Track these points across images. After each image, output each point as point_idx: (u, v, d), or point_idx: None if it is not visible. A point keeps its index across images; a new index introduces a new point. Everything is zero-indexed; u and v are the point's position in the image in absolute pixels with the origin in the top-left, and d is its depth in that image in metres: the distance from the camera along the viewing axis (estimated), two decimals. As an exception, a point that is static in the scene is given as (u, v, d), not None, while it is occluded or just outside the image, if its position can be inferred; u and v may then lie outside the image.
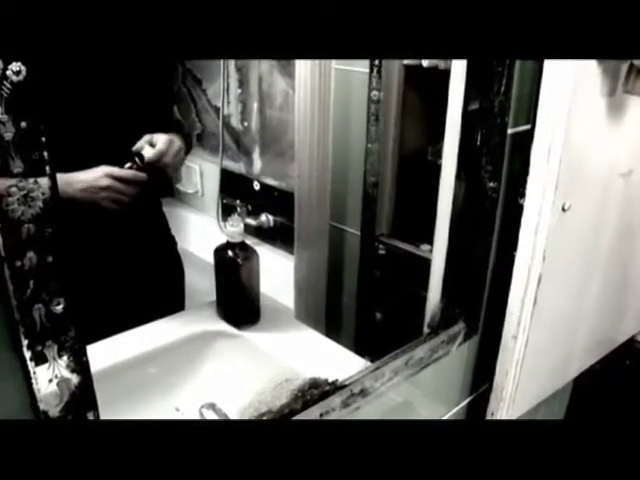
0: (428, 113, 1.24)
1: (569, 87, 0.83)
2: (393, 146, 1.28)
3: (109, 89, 1.06)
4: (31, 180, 0.45)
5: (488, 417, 1.12)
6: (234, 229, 1.01)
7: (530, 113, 0.91)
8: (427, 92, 1.23)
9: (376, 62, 1.19)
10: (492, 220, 0.99)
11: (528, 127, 0.93)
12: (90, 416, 0.56)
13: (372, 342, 1.31)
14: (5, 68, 0.41)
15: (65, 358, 0.52)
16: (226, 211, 2.19)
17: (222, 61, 2.03)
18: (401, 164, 1.30)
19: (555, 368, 1.17)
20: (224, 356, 1.03)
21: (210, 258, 1.05)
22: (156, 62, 1.15)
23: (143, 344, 1.00)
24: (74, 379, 0.53)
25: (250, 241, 1.06)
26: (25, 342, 0.49)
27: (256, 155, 2.08)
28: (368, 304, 1.38)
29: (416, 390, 1.01)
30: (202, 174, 2.35)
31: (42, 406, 0.52)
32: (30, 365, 0.50)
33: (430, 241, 1.03)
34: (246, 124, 2.08)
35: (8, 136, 0.43)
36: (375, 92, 1.20)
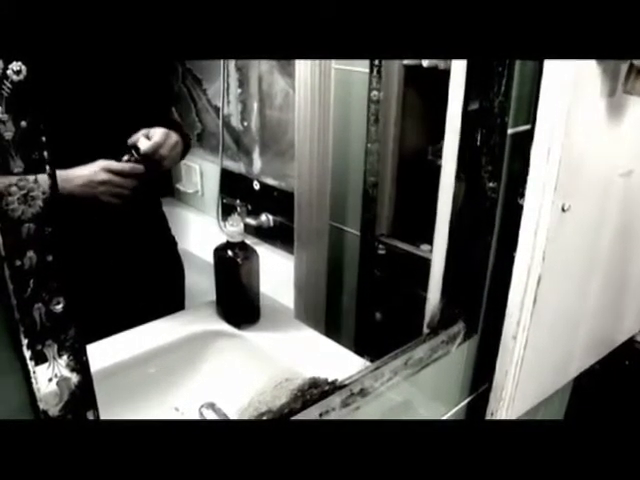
0: (428, 113, 1.24)
1: (569, 87, 0.83)
2: (393, 146, 1.28)
3: (108, 88, 1.06)
4: (31, 179, 0.45)
5: (488, 417, 1.12)
6: (234, 229, 1.01)
7: (530, 113, 0.91)
8: (427, 92, 1.23)
9: (376, 62, 1.19)
10: (492, 220, 0.99)
11: (528, 127, 0.93)
12: (90, 415, 0.56)
13: (372, 342, 1.31)
14: (5, 67, 0.41)
15: (65, 357, 0.52)
16: (226, 211, 2.19)
17: (222, 61, 2.03)
18: (401, 164, 1.31)
19: (555, 368, 1.17)
20: (224, 356, 1.03)
21: (210, 258, 1.05)
22: (155, 62, 1.15)
23: (143, 344, 1.00)
24: (74, 378, 0.53)
25: (250, 241, 1.06)
26: (25, 341, 0.49)
27: (256, 155, 2.08)
28: (368, 304, 1.38)
29: (416, 390, 1.01)
30: (202, 174, 2.36)
31: (42, 405, 0.52)
32: (30, 364, 0.50)
33: (430, 241, 1.03)
34: (246, 124, 2.08)
35: (8, 135, 0.43)
36: (375, 92, 1.20)
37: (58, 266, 0.49)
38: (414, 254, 1.29)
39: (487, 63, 0.86)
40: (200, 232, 2.24)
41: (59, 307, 0.50)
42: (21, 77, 0.42)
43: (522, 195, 0.92)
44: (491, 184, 0.94)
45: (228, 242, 1.02)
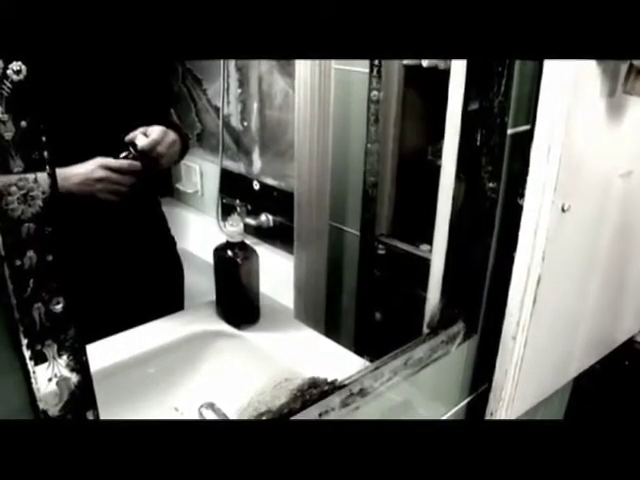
0: (428, 113, 1.24)
1: (569, 88, 0.83)
2: (393, 146, 1.28)
3: (107, 88, 1.06)
4: (31, 179, 0.45)
5: (487, 417, 1.12)
6: (234, 229, 1.01)
7: (530, 113, 0.91)
8: (427, 92, 1.23)
9: (376, 62, 1.19)
10: (492, 220, 0.99)
11: (528, 127, 0.93)
12: (89, 415, 0.56)
13: (371, 342, 1.31)
14: (6, 67, 0.41)
15: (65, 357, 0.52)
16: (226, 211, 2.19)
17: (222, 61, 2.03)
18: (401, 164, 1.31)
19: (554, 368, 1.17)
20: (223, 356, 1.03)
21: (210, 258, 1.05)
22: (155, 62, 1.15)
23: (142, 344, 1.00)
24: (74, 378, 0.53)
25: (250, 241, 1.06)
26: (25, 341, 0.49)
27: (256, 155, 2.08)
28: (367, 304, 1.38)
29: (415, 390, 1.01)
30: (202, 174, 2.36)
31: (42, 405, 0.52)
32: (30, 364, 0.50)
33: (430, 241, 1.03)
34: (246, 124, 2.08)
35: (8, 135, 0.43)
36: (375, 92, 1.20)
37: (58, 266, 0.49)
38: (414, 254, 1.29)
39: (487, 63, 0.86)
40: (200, 232, 2.24)
41: (59, 307, 0.50)
42: (21, 77, 0.42)
43: (522, 195, 0.92)
44: (491, 184, 0.94)
45: (228, 242, 1.02)
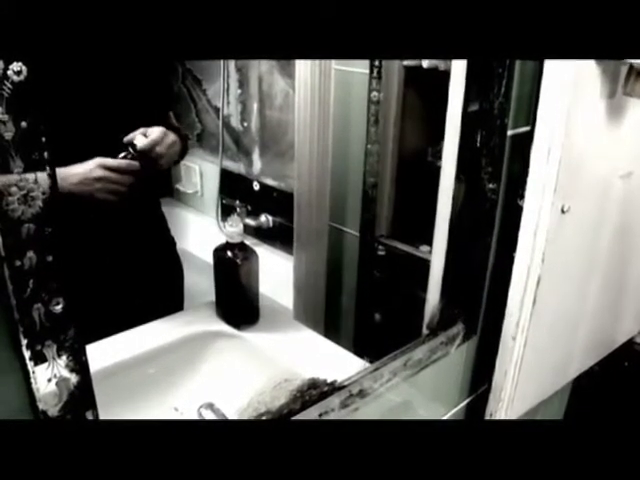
0: (428, 114, 1.24)
1: (569, 89, 0.83)
2: (393, 147, 1.28)
3: (107, 88, 1.06)
4: (31, 179, 0.45)
5: (487, 418, 1.12)
6: (233, 229, 1.01)
7: (530, 115, 0.91)
8: (427, 93, 1.23)
9: (376, 63, 1.19)
10: (491, 221, 0.99)
11: (528, 129, 0.93)
12: (89, 416, 0.56)
13: (371, 343, 1.31)
14: (6, 68, 0.41)
15: (64, 358, 0.52)
16: (225, 211, 2.19)
17: (222, 61, 2.03)
18: (401, 165, 1.31)
19: (554, 369, 1.17)
20: (223, 356, 1.03)
21: (209, 258, 1.05)
22: (155, 63, 1.15)
23: (142, 344, 1.00)
24: (73, 379, 0.53)
25: (249, 241, 1.06)
26: (24, 341, 0.49)
27: (256, 155, 2.08)
28: (367, 305, 1.38)
29: (415, 391, 1.01)
30: (202, 174, 2.36)
31: (41, 406, 0.52)
32: (29, 364, 0.50)
33: (429, 242, 1.03)
34: (246, 124, 2.08)
35: (8, 136, 0.43)
36: (375, 93, 1.20)
37: (58, 266, 0.49)
38: (414, 255, 1.29)
39: (487, 64, 0.86)
40: (199, 232, 2.24)
41: (58, 307, 0.50)
42: (21, 77, 0.42)
43: (522, 196, 0.92)
44: (491, 185, 0.94)
45: (227, 243, 1.02)
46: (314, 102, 1.24)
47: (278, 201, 2.00)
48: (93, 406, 0.56)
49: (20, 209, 0.45)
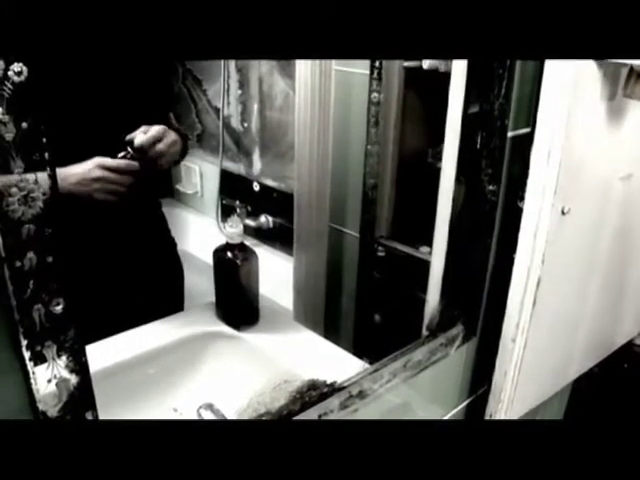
0: (428, 115, 1.24)
1: (569, 91, 0.83)
2: (393, 148, 1.28)
3: (108, 89, 1.06)
4: (31, 180, 0.45)
5: (487, 419, 1.12)
6: (233, 230, 1.01)
7: (530, 116, 0.91)
8: (427, 94, 1.23)
9: (376, 64, 1.19)
10: (491, 223, 0.99)
11: (528, 130, 0.93)
12: (89, 416, 0.56)
13: (371, 344, 1.31)
14: (7, 69, 0.41)
15: (64, 358, 0.52)
16: (225, 212, 2.19)
17: (222, 62, 2.03)
18: (401, 166, 1.31)
19: (554, 370, 1.17)
20: (223, 357, 1.03)
21: (209, 259, 1.05)
22: (155, 63, 1.15)
23: (142, 344, 1.00)
24: (73, 379, 0.53)
25: (249, 242, 1.06)
26: (24, 342, 0.49)
27: (256, 156, 2.08)
28: (367, 306, 1.38)
29: (414, 392, 1.01)
30: (202, 175, 2.36)
31: (41, 406, 0.52)
32: (29, 365, 0.50)
33: (429, 243, 1.03)
34: (246, 125, 2.08)
35: (9, 136, 0.43)
36: (375, 94, 1.20)
37: (58, 267, 0.49)
38: (413, 256, 1.29)
39: (487, 65, 0.87)
40: (199, 233, 2.24)
41: (59, 308, 0.50)
42: (22, 78, 0.42)
43: (522, 198, 0.92)
44: (491, 187, 0.94)
45: (227, 243, 1.02)
46: (314, 103, 1.24)
47: (278, 202, 2.00)
48: (93, 406, 0.56)
49: (20, 210, 0.45)
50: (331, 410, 0.81)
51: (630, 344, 1.39)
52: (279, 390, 0.81)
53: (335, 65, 1.23)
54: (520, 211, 0.93)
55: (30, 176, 0.45)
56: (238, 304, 1.07)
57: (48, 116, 0.45)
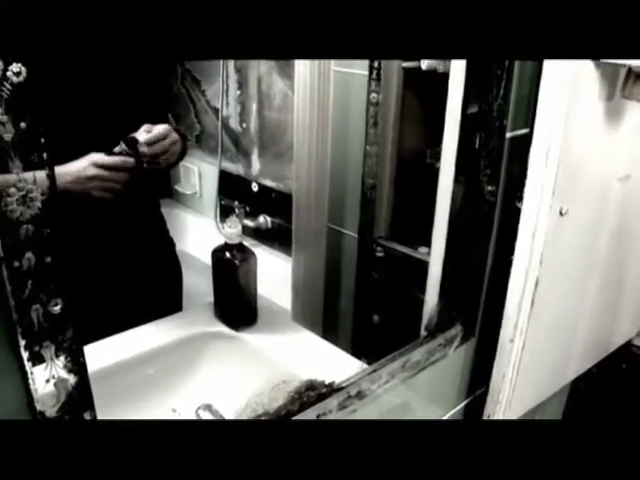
0: (427, 116, 1.24)
1: (567, 92, 0.83)
2: (391, 148, 1.28)
3: (106, 89, 1.06)
4: (30, 180, 0.45)
5: (485, 419, 1.12)
6: (232, 230, 1.01)
7: (529, 117, 0.91)
8: (426, 95, 1.23)
9: (375, 64, 1.19)
10: (490, 223, 0.99)
11: (526, 131, 0.93)
12: (87, 416, 0.56)
13: (369, 344, 1.31)
14: (5, 69, 0.41)
15: (62, 358, 0.52)
16: (224, 212, 2.19)
17: (221, 62, 2.03)
18: (399, 167, 1.31)
19: (552, 371, 1.17)
20: (221, 357, 1.03)
21: (208, 259, 1.05)
22: (154, 64, 1.15)
23: (140, 345, 1.00)
24: (71, 379, 0.53)
25: (248, 242, 1.06)
26: (23, 342, 0.49)
27: (255, 156, 2.08)
28: (365, 306, 1.38)
29: (413, 393, 1.01)
30: (200, 175, 2.35)
31: (39, 406, 0.52)
32: (27, 365, 0.50)
33: (428, 244, 1.03)
34: (245, 125, 2.08)
35: (8, 137, 0.43)
36: (374, 94, 1.20)
37: (56, 267, 0.49)
38: (412, 257, 1.29)
39: (486, 66, 0.87)
40: (198, 234, 2.23)
41: (57, 308, 0.50)
42: (21, 78, 0.42)
43: (520, 198, 0.93)
44: (489, 187, 0.94)
45: (226, 244, 1.02)
46: (313, 103, 1.24)
47: (277, 202, 2.00)
48: (91, 407, 0.56)
49: (19, 210, 0.45)
50: (329, 410, 0.81)
51: (628, 344, 1.39)
52: (277, 390, 0.81)
53: (334, 65, 1.24)
54: (518, 211, 0.93)
55: (29, 176, 0.45)
56: (236, 304, 1.07)
57: (46, 116, 0.45)
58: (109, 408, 0.63)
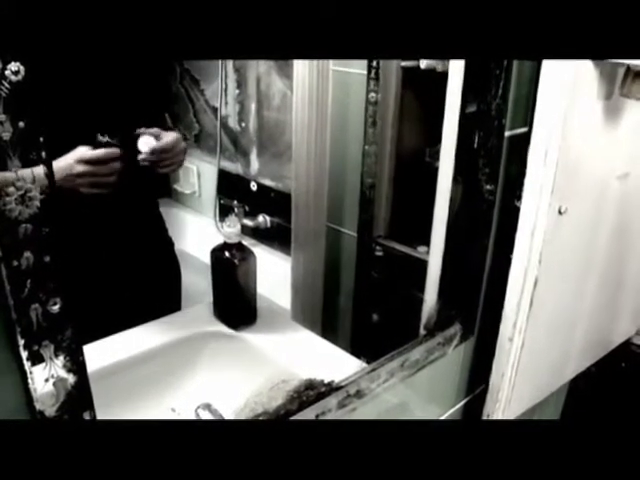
0: (425, 115, 1.24)
1: (566, 90, 0.83)
2: (390, 148, 1.28)
3: (105, 89, 1.06)
4: (29, 180, 0.45)
5: (484, 419, 1.12)
6: (231, 230, 1.01)
7: (527, 116, 0.91)
8: (425, 94, 1.23)
9: (374, 64, 1.19)
10: (489, 222, 0.99)
11: (525, 130, 0.93)
12: (86, 416, 0.56)
13: (368, 343, 1.31)
14: (4, 68, 0.41)
15: (61, 358, 0.52)
16: (223, 212, 2.19)
17: (220, 61, 2.03)
18: (398, 166, 1.31)
19: (551, 370, 1.17)
20: (220, 357, 1.03)
21: (207, 259, 1.05)
22: (152, 64, 1.14)
23: (139, 344, 1.00)
24: (70, 379, 0.53)
25: (247, 242, 1.06)
26: (22, 342, 0.49)
27: (253, 156, 2.08)
28: (365, 305, 1.38)
29: (412, 392, 1.01)
30: (199, 175, 2.35)
31: (38, 406, 0.52)
32: (26, 365, 0.50)
33: (427, 243, 1.03)
34: (244, 125, 2.08)
35: (6, 136, 0.43)
36: (373, 94, 1.20)
37: (55, 267, 0.49)
38: (411, 256, 1.29)
39: (485, 65, 0.87)
40: (197, 233, 2.23)
41: (56, 308, 0.50)
42: (19, 77, 0.42)
43: (519, 197, 0.93)
44: (488, 186, 0.94)
45: (225, 243, 1.02)
46: (312, 103, 1.24)
47: (276, 201, 2.00)
48: (90, 406, 0.56)
49: (17, 209, 0.45)
50: (329, 410, 0.81)
51: (627, 343, 1.39)
52: (276, 390, 0.81)
53: (332, 65, 1.24)
54: (517, 210, 0.93)
55: (27, 175, 0.45)
56: (236, 304, 1.07)
57: (45, 115, 0.45)
58: (108, 408, 0.63)
